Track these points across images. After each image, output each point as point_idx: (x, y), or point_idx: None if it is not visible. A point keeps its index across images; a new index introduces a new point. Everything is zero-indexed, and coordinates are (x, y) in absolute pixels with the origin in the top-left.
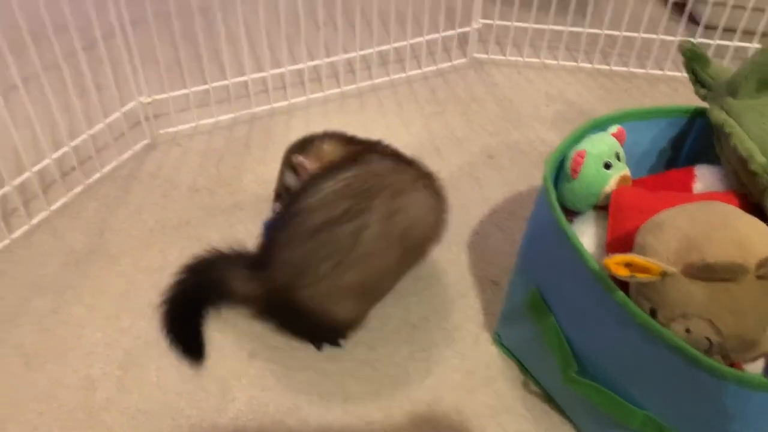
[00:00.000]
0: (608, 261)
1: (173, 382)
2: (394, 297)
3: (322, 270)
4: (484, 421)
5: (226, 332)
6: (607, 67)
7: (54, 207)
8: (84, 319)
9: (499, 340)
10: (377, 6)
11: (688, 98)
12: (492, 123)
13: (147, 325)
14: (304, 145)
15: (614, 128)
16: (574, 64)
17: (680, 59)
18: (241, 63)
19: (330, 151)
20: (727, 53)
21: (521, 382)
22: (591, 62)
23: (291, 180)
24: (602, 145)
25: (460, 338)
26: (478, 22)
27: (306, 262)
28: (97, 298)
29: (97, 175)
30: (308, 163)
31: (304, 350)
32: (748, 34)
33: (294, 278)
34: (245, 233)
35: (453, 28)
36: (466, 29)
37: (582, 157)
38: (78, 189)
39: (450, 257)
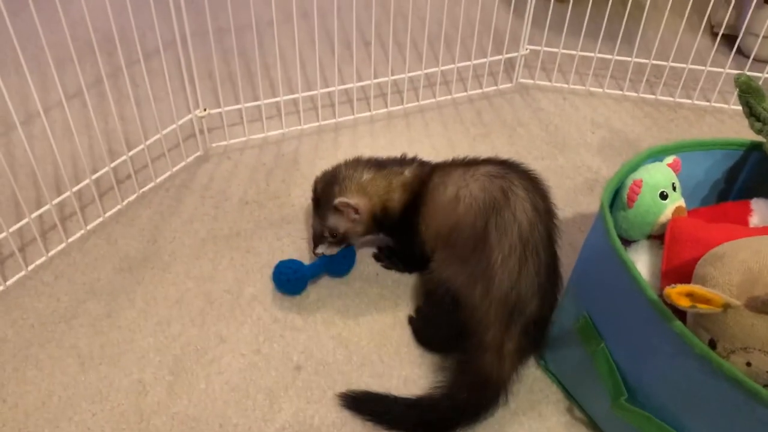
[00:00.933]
0: (670, 290)
1: (221, 390)
2: None
3: None
4: None
5: (274, 342)
6: (653, 97)
7: (109, 214)
8: (136, 323)
9: (544, 365)
10: (427, 29)
11: (735, 131)
12: (537, 147)
13: (197, 333)
14: (334, 182)
15: (670, 158)
16: (620, 92)
17: (727, 91)
18: (292, 80)
19: (369, 180)
20: None
21: (566, 407)
22: (637, 91)
23: (338, 222)
24: (659, 174)
25: None
26: (525, 48)
27: None
28: (149, 304)
29: (151, 185)
30: (354, 202)
31: (349, 365)
32: None
33: None
34: (292, 247)
35: (500, 53)
36: (514, 54)
37: (639, 187)
38: (132, 197)
39: None
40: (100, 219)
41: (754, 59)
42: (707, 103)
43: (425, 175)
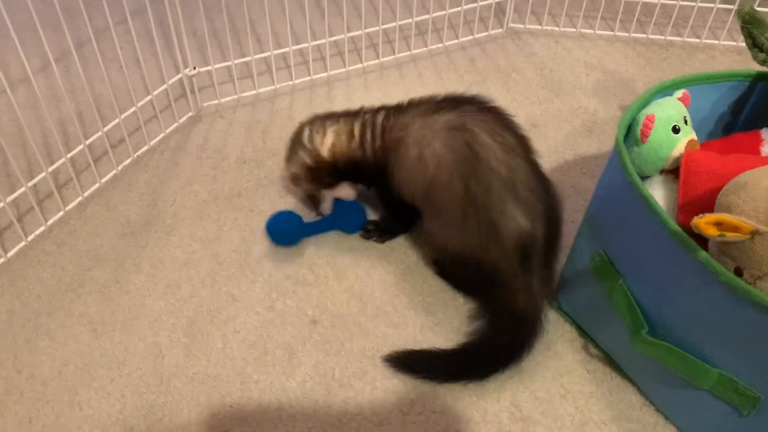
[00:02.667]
0: (699, 220)
1: (239, 348)
2: None
3: None
4: (547, 382)
5: (287, 299)
6: (644, 36)
7: (105, 179)
8: (145, 288)
9: (557, 305)
10: None
11: (727, 66)
12: (533, 92)
13: (208, 293)
14: (288, 149)
15: (680, 92)
16: (611, 33)
17: (717, 27)
18: (279, 35)
19: (320, 137)
20: None
21: (581, 345)
22: (628, 31)
23: (298, 189)
24: (671, 109)
25: None
26: None
27: None
28: (156, 268)
29: (145, 148)
30: (290, 173)
31: (364, 317)
32: None
33: None
34: (295, 204)
35: None
36: None
37: (652, 122)
38: (127, 161)
39: None
40: (97, 185)
41: None
42: (698, 40)
43: (383, 121)
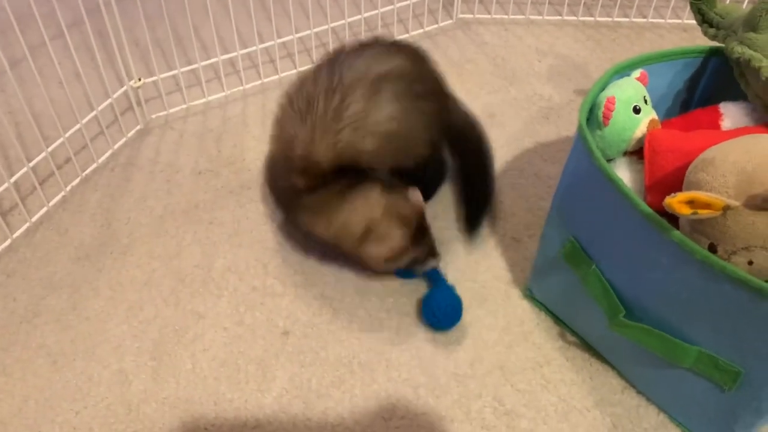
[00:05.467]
0: (671, 200)
1: (210, 367)
2: None
3: None
4: (527, 374)
5: (256, 311)
6: (592, 19)
7: (53, 202)
8: (105, 313)
9: (530, 294)
10: None
11: (674, 43)
12: (488, 82)
13: (172, 313)
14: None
15: (637, 72)
16: (560, 17)
17: (662, 6)
18: (226, 40)
19: None
20: None
21: (557, 333)
22: (576, 15)
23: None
24: (630, 89)
25: (491, 297)
26: None
27: None
28: (115, 291)
29: (94, 166)
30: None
31: (337, 323)
32: None
33: None
34: (257, 213)
35: None
36: None
37: (612, 104)
38: (75, 181)
39: None
40: (45, 209)
41: None
42: (645, 20)
43: None
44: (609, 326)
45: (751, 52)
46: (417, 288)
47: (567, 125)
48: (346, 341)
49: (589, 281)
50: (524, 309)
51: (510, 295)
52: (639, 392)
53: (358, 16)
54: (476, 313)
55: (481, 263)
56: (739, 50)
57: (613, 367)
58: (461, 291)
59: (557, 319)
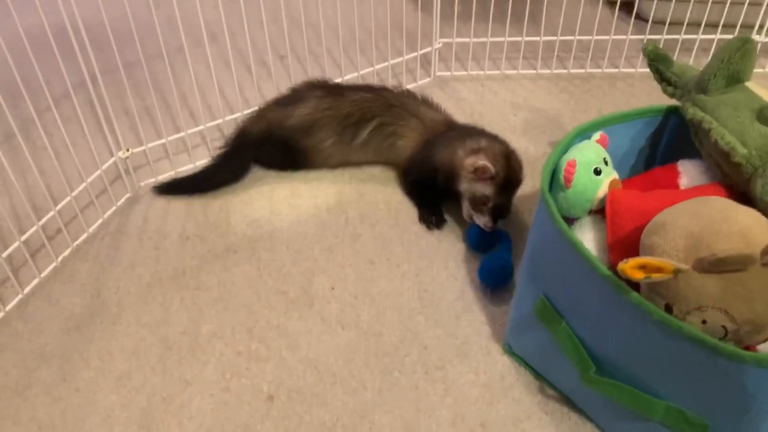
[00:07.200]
0: (624, 266)
1: None
2: (403, 317)
3: None
4: (508, 430)
5: (241, 377)
6: (565, 71)
7: (44, 273)
8: (95, 383)
9: (509, 350)
10: (341, 36)
11: (646, 92)
12: None
13: (160, 380)
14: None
15: (597, 135)
16: (534, 71)
17: (633, 56)
18: (212, 106)
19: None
20: (677, 46)
21: (537, 388)
22: (549, 68)
23: (483, 188)
24: (590, 152)
25: (472, 352)
26: (438, 42)
27: None
28: (105, 360)
29: (84, 236)
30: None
31: (321, 386)
32: (694, 26)
33: None
34: (242, 276)
35: (415, 50)
36: (428, 50)
37: (573, 167)
38: (67, 252)
39: (449, 273)
40: (37, 280)
41: (653, 22)
42: (616, 70)
43: None
44: (582, 382)
45: (701, 113)
46: (398, 348)
47: None
48: (330, 404)
49: (560, 337)
50: (504, 364)
51: (491, 351)
52: None
53: (339, 79)
54: (458, 370)
55: (462, 318)
56: (691, 111)
57: (590, 420)
58: (443, 347)
59: (536, 374)
